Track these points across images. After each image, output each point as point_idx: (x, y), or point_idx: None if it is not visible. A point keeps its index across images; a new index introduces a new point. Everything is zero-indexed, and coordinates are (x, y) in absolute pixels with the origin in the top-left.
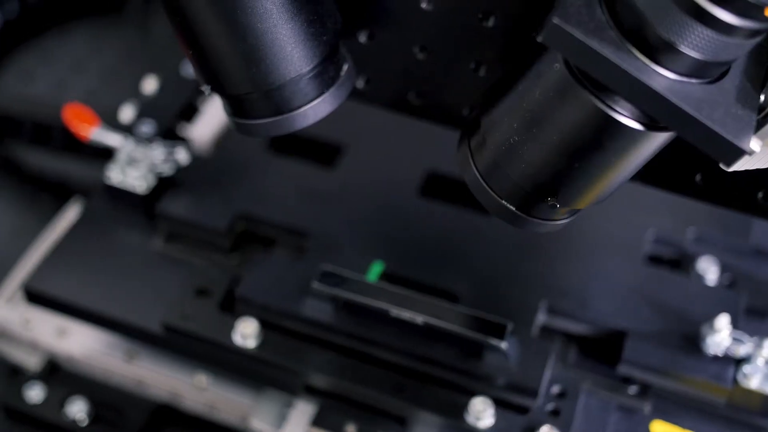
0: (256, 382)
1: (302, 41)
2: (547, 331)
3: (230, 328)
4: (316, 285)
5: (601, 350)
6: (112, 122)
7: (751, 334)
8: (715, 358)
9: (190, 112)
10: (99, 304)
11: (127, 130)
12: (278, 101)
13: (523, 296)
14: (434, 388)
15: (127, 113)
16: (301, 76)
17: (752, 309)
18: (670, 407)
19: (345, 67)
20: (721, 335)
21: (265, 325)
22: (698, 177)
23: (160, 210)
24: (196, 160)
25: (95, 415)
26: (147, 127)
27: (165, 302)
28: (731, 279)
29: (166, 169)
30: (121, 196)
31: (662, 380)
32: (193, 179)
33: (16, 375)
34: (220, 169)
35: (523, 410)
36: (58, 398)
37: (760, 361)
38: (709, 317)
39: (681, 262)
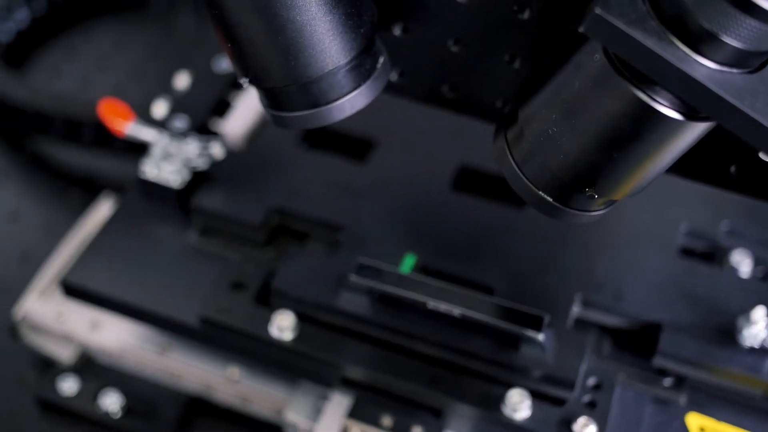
0: (293, 374)
1: (340, 34)
2: (581, 323)
3: (266, 320)
4: (353, 278)
5: (636, 343)
6: (144, 118)
7: None
8: (752, 350)
9: (222, 108)
10: (135, 297)
11: (161, 125)
12: (316, 94)
13: (557, 289)
14: (470, 380)
15: (160, 108)
16: (339, 68)
17: None
18: (705, 400)
19: (381, 60)
20: (757, 327)
21: (301, 318)
22: (733, 168)
23: (195, 204)
24: (230, 154)
25: (128, 408)
26: (180, 122)
27: (200, 295)
28: (765, 272)
29: (201, 164)
30: (156, 190)
31: (697, 372)
32: (227, 174)
33: (50, 368)
34: (254, 163)
35: (559, 402)
36: (91, 391)
37: None
38: (744, 309)
39: (714, 255)
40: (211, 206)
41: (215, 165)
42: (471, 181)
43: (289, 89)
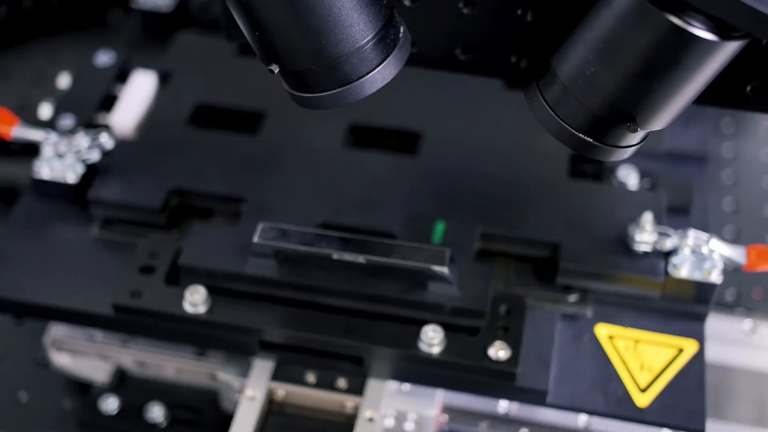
0: (212, 347)
1: (366, 6)
2: (486, 254)
3: (179, 298)
4: (256, 240)
5: (540, 266)
6: (33, 122)
7: (676, 228)
8: (645, 254)
9: (109, 102)
10: (45, 298)
11: (50, 126)
12: (347, 70)
13: (457, 226)
14: (384, 323)
15: (45, 110)
16: (368, 42)
17: (674, 207)
18: (610, 310)
19: (402, 30)
20: (647, 231)
21: (213, 291)
22: (749, 88)
23: (92, 196)
24: (121, 144)
25: (173, 417)
26: (67, 120)
27: (112, 285)
28: (651, 183)
29: (93, 156)
30: (52, 189)
31: (599, 284)
32: (120, 163)
33: (87, 390)
34: (146, 149)
35: (473, 331)
36: (134, 406)
37: (686, 251)
38: (635, 219)
39: (601, 175)
40: (109, 196)
41: (108, 156)
42: (362, 137)
43: (320, 69)
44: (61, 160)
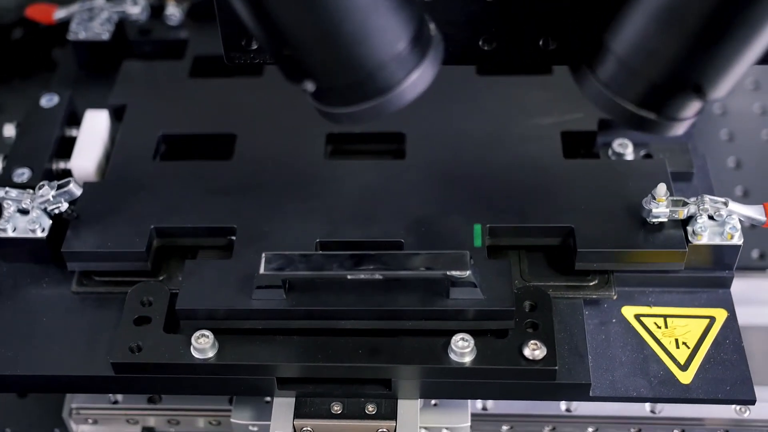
0: (226, 393)
1: (401, 8)
2: (495, 250)
3: (184, 345)
4: (263, 272)
5: (553, 254)
6: None
7: (682, 195)
8: (662, 226)
9: (62, 147)
10: (33, 369)
11: (8, 181)
12: (387, 77)
13: (463, 226)
14: (409, 339)
15: None
16: (406, 45)
17: (675, 173)
18: (633, 290)
19: (432, 27)
20: (663, 203)
21: (218, 333)
22: None
23: (67, 248)
24: (88, 188)
25: None
26: (22, 172)
27: (106, 343)
28: (646, 151)
29: (62, 207)
30: (19, 247)
31: (620, 263)
32: (90, 209)
33: None
34: (116, 191)
35: (502, 334)
36: None
37: (704, 218)
38: (645, 189)
39: (597, 152)
40: (85, 247)
41: (75, 203)
42: (344, 145)
43: (359, 80)
44: (25, 215)
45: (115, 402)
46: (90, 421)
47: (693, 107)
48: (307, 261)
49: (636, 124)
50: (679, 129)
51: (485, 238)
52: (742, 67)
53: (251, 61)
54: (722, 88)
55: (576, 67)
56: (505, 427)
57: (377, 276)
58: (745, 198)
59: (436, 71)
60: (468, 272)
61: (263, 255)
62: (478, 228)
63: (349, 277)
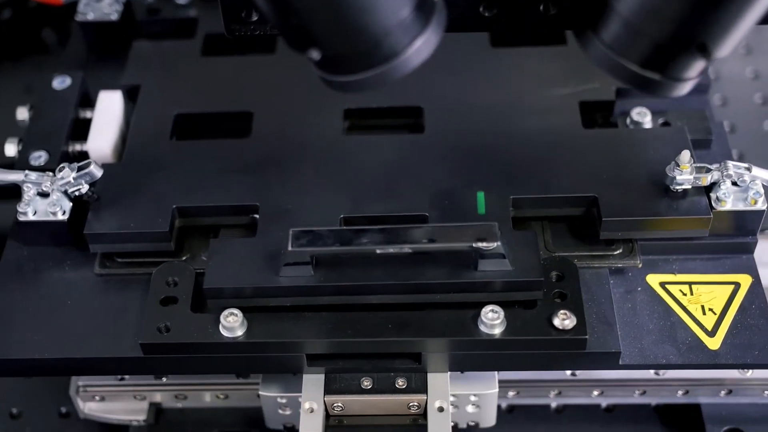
0: (255, 371)
1: None
2: (518, 221)
3: (213, 325)
4: (291, 249)
5: (576, 224)
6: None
7: (702, 162)
8: (685, 193)
9: (77, 129)
10: (59, 351)
11: (22, 164)
12: (392, 44)
13: (486, 198)
14: (438, 312)
15: (11, 149)
16: (411, 10)
17: (694, 140)
18: (657, 257)
19: None
20: (687, 170)
21: (246, 310)
22: None
23: (89, 230)
24: (107, 168)
25: None
26: (39, 155)
27: (133, 324)
28: (665, 119)
29: (82, 188)
30: (40, 230)
31: (644, 232)
32: (111, 190)
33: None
34: (135, 172)
35: (531, 305)
36: None
37: (727, 184)
38: (666, 157)
39: (615, 122)
40: (108, 228)
41: (94, 185)
42: (362, 119)
43: (365, 47)
44: (45, 198)
45: (122, 378)
46: (97, 398)
47: (697, 67)
48: (335, 236)
49: (640, 85)
50: (684, 89)
51: (509, 210)
52: (746, 25)
53: (251, 33)
54: (726, 47)
55: (579, 30)
56: (511, 393)
57: (406, 250)
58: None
59: (440, 38)
60: (497, 243)
61: (290, 231)
62: (481, 195)
63: (377, 252)
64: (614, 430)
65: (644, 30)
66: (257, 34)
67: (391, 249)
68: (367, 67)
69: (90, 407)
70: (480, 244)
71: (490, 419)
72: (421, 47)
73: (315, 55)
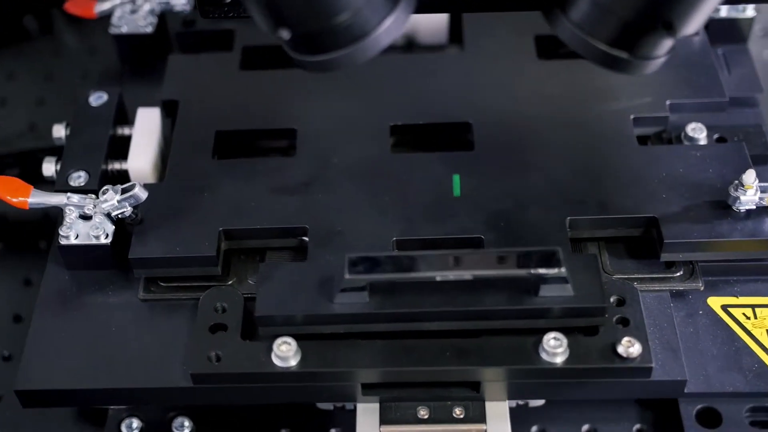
0: (308, 400)
1: None
2: (575, 242)
3: (265, 353)
4: (349, 277)
5: (635, 245)
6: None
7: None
8: (748, 213)
9: (115, 147)
10: (106, 381)
11: (64, 184)
12: (361, 23)
13: (543, 219)
14: (497, 339)
15: (49, 168)
16: None
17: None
18: (718, 280)
19: None
20: (752, 190)
21: (299, 338)
22: None
23: (134, 255)
24: (149, 189)
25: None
26: (78, 175)
27: (180, 351)
28: (720, 134)
29: (126, 210)
30: (82, 254)
31: (707, 253)
32: (153, 212)
33: (106, 416)
34: (178, 192)
35: (590, 330)
36: (159, 421)
37: None
38: (725, 175)
39: (670, 137)
40: (154, 253)
41: (137, 207)
42: (408, 136)
43: (334, 26)
44: (87, 221)
45: None
46: None
47: (664, 45)
48: (393, 263)
49: (609, 64)
50: (650, 67)
51: (566, 231)
52: (710, 2)
53: (226, 16)
54: (692, 25)
55: (548, 9)
56: None
57: (467, 276)
58: None
59: (408, 18)
60: (563, 269)
61: (346, 258)
62: (456, 178)
63: (437, 279)
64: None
65: (611, 8)
66: (231, 16)
67: (452, 276)
68: (338, 47)
69: None
70: (544, 271)
71: None
72: (391, 27)
73: (285, 34)
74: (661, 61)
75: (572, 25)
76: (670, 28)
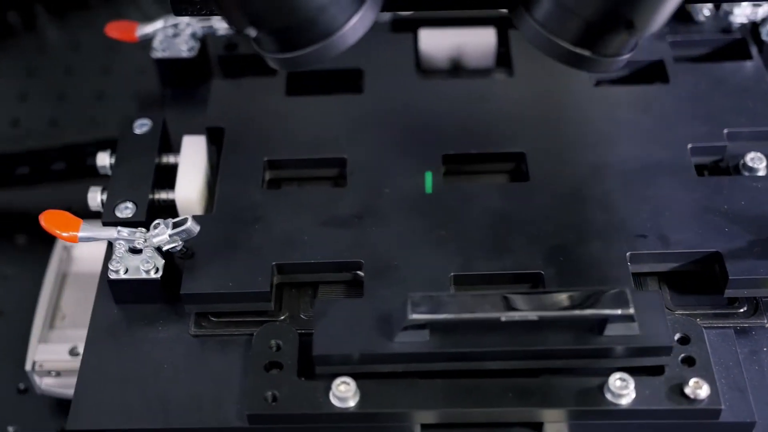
0: None
1: None
2: (635, 277)
3: (323, 393)
4: (412, 317)
5: (696, 280)
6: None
7: None
8: None
9: (160, 176)
10: (159, 421)
11: (111, 215)
12: (328, 21)
13: (604, 254)
14: (561, 380)
15: (95, 198)
16: None
17: None
18: None
19: None
20: None
21: (357, 377)
22: None
23: (186, 290)
24: (201, 222)
25: None
26: (125, 206)
27: (234, 390)
28: None
29: (177, 245)
30: (132, 289)
31: None
32: (203, 246)
33: None
34: (228, 225)
35: (657, 370)
36: None
37: None
38: None
39: (727, 166)
40: (205, 289)
41: (191, 241)
42: (459, 163)
43: (301, 23)
44: (136, 254)
45: (77, 354)
46: (53, 373)
47: (627, 44)
48: (456, 304)
49: (573, 62)
50: (614, 66)
51: (627, 266)
52: (673, 2)
53: (198, 14)
54: (654, 24)
55: (513, 7)
56: None
57: (532, 317)
58: None
59: (376, 16)
60: (631, 310)
61: (408, 297)
62: (428, 175)
63: (502, 319)
64: None
65: (574, 8)
66: (203, 14)
67: (518, 317)
68: (305, 45)
69: (45, 383)
70: (616, 311)
71: None
72: (357, 24)
73: (252, 32)
74: (624, 58)
75: (536, 24)
76: (631, 27)
